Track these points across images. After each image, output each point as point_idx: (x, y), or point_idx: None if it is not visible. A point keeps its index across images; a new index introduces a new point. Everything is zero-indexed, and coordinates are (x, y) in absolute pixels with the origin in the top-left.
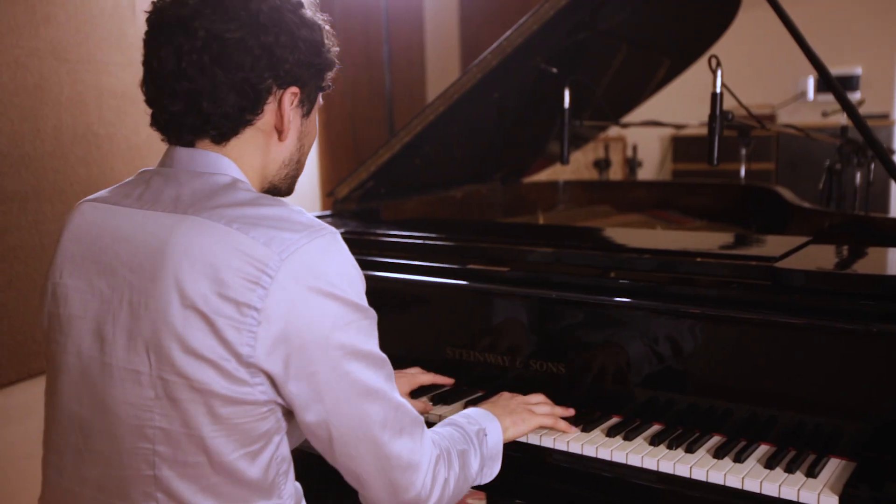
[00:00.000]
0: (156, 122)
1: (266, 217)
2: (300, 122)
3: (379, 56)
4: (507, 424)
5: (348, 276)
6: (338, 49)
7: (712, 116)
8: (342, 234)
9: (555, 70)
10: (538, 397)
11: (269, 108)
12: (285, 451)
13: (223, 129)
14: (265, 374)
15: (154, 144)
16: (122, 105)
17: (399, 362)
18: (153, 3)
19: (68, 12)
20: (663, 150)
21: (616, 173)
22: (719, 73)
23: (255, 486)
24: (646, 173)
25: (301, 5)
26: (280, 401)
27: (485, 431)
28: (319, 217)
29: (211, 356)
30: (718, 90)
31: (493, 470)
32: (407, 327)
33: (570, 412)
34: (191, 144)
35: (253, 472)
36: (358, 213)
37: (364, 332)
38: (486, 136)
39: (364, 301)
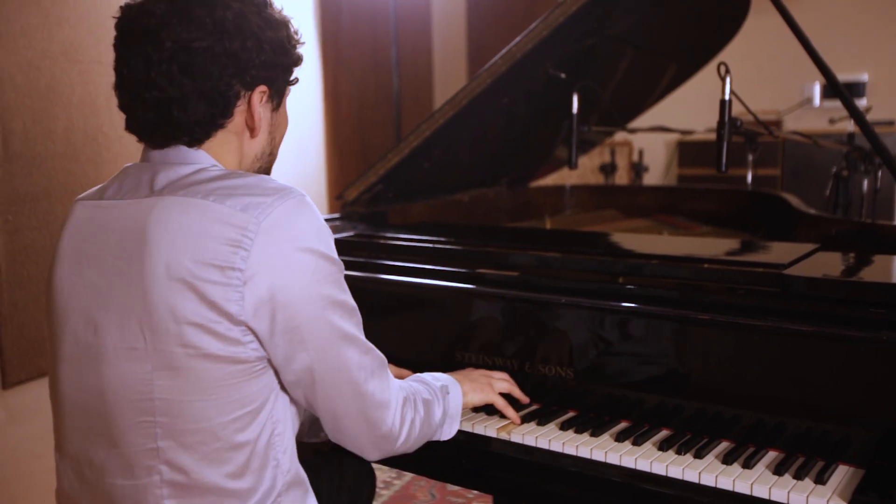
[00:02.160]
0: (130, 128)
1: (238, 187)
2: (270, 116)
3: (387, 59)
4: (466, 389)
5: (321, 232)
6: (304, 42)
7: (721, 123)
8: (352, 237)
9: (563, 75)
10: (501, 374)
11: (239, 111)
12: (281, 415)
13: (196, 135)
14: (252, 332)
15: None
16: None
17: (408, 366)
18: (121, 7)
19: (79, 15)
20: (669, 155)
21: (622, 178)
22: (728, 79)
23: (251, 450)
24: (652, 178)
25: (266, 5)
26: (268, 356)
27: (447, 389)
28: (328, 220)
29: (202, 321)
30: (727, 97)
31: (452, 428)
32: (417, 331)
33: (526, 399)
34: (164, 148)
35: (250, 433)
36: (366, 216)
37: (338, 283)
38: (494, 141)
39: (336, 254)
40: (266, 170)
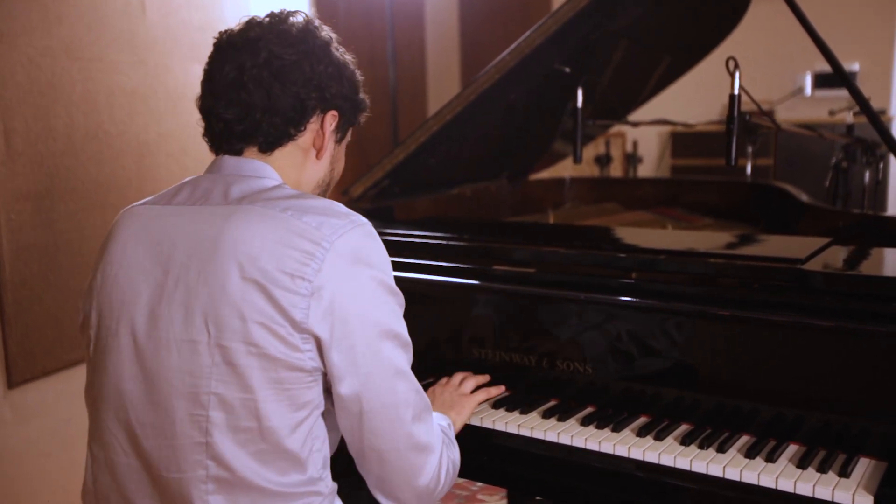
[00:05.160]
0: (208, 131)
1: (313, 206)
2: (333, 147)
3: (383, 53)
4: (453, 417)
5: (385, 261)
6: (368, 100)
7: (730, 117)
8: None
9: (568, 70)
10: (459, 377)
11: (311, 128)
12: (321, 430)
13: (270, 139)
14: (315, 338)
15: (163, 144)
16: (131, 104)
17: (424, 362)
18: (221, 31)
19: (80, 11)
20: (662, 146)
21: (616, 169)
22: (737, 74)
23: (293, 457)
24: (645, 168)
25: (346, 51)
26: (324, 369)
27: (450, 426)
28: None
29: (267, 322)
30: (736, 92)
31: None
32: (433, 328)
33: (487, 378)
34: (239, 152)
35: (293, 441)
36: (373, 212)
37: (396, 314)
38: (496, 135)
39: (395, 284)
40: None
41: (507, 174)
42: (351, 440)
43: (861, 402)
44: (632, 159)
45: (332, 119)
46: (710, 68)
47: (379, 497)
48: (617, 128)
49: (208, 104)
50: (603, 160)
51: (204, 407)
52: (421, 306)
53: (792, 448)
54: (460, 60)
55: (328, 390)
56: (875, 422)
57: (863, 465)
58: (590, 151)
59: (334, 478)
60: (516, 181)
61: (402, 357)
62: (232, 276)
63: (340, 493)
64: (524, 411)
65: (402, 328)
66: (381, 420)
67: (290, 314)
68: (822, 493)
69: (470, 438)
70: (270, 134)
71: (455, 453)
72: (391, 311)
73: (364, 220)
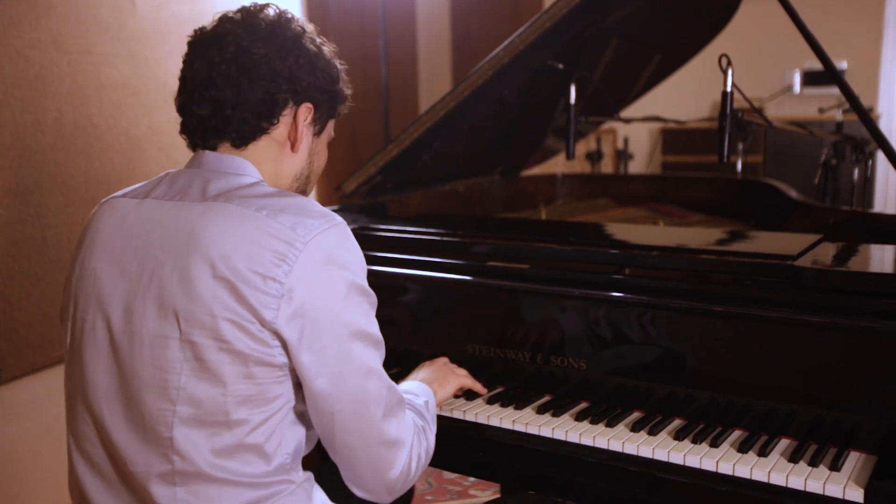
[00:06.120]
0: (185, 128)
1: (289, 206)
2: (311, 140)
3: (375, 50)
4: (436, 388)
5: (358, 261)
6: (351, 91)
7: (723, 115)
8: (355, 229)
9: (561, 66)
10: (442, 359)
11: (284, 121)
12: (290, 422)
13: (242, 133)
14: (281, 340)
15: (153, 137)
16: (121, 97)
17: (418, 359)
18: (195, 29)
19: (68, 3)
20: (652, 142)
21: (607, 165)
22: (730, 72)
23: (258, 450)
24: (636, 165)
25: (323, 43)
26: (292, 366)
27: (428, 404)
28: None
29: (237, 319)
30: (729, 89)
31: (434, 435)
32: (427, 325)
33: (485, 391)
34: (213, 147)
35: (260, 435)
36: (366, 208)
37: (367, 314)
38: (489, 131)
39: (367, 284)
40: (302, 192)
41: (499, 170)
42: (323, 435)
43: (852, 397)
44: (623, 156)
45: (306, 111)
46: (699, 66)
47: (351, 488)
48: (608, 124)
49: (182, 101)
50: (594, 157)
51: (172, 402)
52: (415, 303)
53: (784, 442)
54: (451, 58)
55: (299, 384)
56: (865, 416)
57: (853, 459)
58: (581, 148)
59: (332, 475)
60: (509, 176)
61: (374, 356)
62: (204, 275)
63: (339, 491)
64: (519, 407)
65: (373, 328)
66: (352, 418)
67: (259, 313)
68: (813, 486)
69: (464, 434)
70: (242, 129)
71: (430, 438)
72: (362, 311)
73: (339, 219)
